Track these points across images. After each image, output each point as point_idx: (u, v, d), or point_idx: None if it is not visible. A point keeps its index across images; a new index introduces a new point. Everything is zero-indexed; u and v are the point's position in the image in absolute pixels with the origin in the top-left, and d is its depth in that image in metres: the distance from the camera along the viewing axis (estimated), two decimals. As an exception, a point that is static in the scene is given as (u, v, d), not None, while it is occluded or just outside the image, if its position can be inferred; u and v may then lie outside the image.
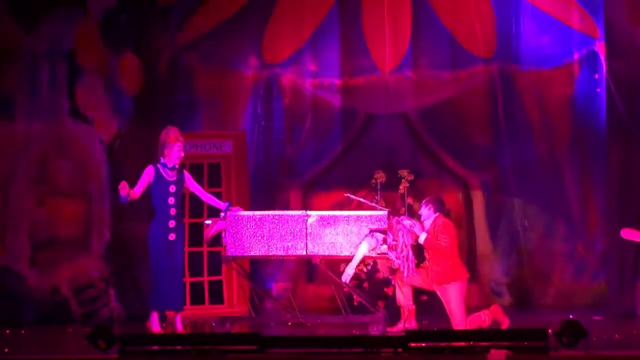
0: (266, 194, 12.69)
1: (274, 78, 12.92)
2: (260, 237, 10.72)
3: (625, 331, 10.00)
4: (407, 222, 10.27)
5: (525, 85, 12.65)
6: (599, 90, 12.34)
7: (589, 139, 12.46)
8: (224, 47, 12.81)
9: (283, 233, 10.70)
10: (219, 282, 12.29)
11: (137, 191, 10.12)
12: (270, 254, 10.77)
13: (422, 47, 12.75)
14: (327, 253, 10.69)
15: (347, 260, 11.78)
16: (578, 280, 12.33)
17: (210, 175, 12.38)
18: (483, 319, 9.91)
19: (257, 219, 10.72)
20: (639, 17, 11.61)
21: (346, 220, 10.65)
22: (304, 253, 10.67)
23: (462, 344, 8.17)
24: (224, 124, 12.80)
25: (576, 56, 12.55)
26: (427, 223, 10.13)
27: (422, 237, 10.04)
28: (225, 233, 10.62)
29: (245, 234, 10.71)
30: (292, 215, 10.72)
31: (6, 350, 8.92)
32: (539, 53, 12.58)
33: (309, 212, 10.70)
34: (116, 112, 11.95)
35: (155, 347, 8.30)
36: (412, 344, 8.09)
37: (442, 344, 8.15)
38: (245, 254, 10.81)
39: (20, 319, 11.26)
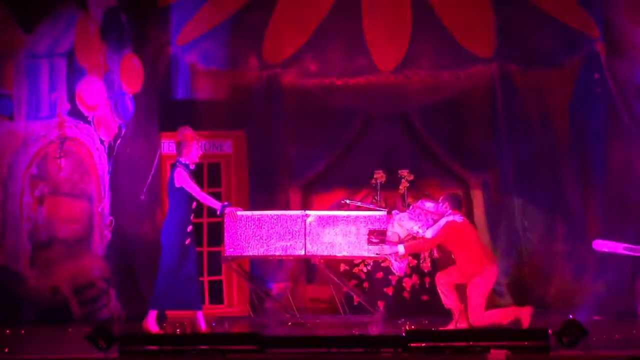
0: (266, 194, 12.69)
1: (274, 78, 12.92)
2: (259, 237, 10.73)
3: (625, 331, 10.00)
4: (428, 204, 10.24)
5: (525, 85, 12.64)
6: (599, 90, 12.33)
7: (589, 139, 12.45)
8: (224, 47, 12.81)
9: (282, 233, 10.72)
10: (219, 282, 12.29)
11: (203, 196, 10.19)
12: (269, 254, 10.78)
13: (422, 47, 12.74)
14: (326, 253, 10.70)
15: (347, 260, 11.82)
16: (578, 280, 12.32)
17: (210, 175, 12.39)
18: (505, 315, 9.82)
19: (256, 219, 10.73)
20: (639, 17, 11.61)
21: (345, 220, 10.65)
22: (303, 253, 10.69)
23: (462, 344, 8.18)
24: (224, 124, 12.80)
25: (576, 56, 12.55)
26: (443, 221, 10.08)
27: (401, 249, 10.04)
28: (224, 233, 10.67)
29: (244, 234, 10.73)
30: (291, 215, 10.73)
31: (6, 350, 8.92)
32: (539, 53, 12.58)
33: (307, 212, 10.70)
34: (116, 112, 11.95)
35: (155, 347, 8.31)
36: (412, 344, 8.10)
37: (442, 344, 8.16)
38: (244, 254, 10.83)
39: (20, 319, 11.25)
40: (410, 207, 10.42)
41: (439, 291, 10.09)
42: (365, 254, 10.75)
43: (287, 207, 12.41)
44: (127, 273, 11.82)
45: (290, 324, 11.11)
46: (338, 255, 10.76)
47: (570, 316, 8.71)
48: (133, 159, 11.97)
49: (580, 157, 12.49)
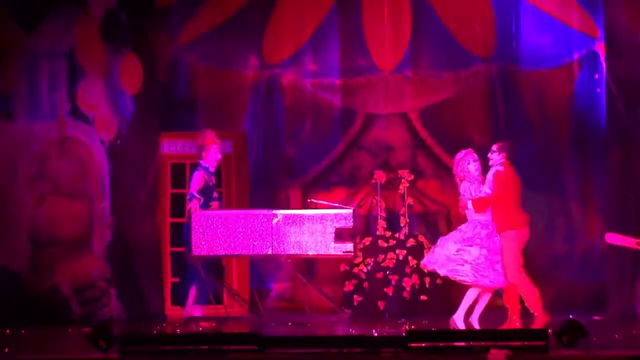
0: (266, 194, 12.69)
1: (274, 78, 12.92)
2: (226, 236, 10.79)
3: (625, 331, 10.00)
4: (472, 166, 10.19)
5: (525, 85, 12.64)
6: (599, 90, 12.33)
7: (589, 139, 12.45)
8: (224, 47, 12.81)
9: (249, 232, 10.77)
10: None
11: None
12: (236, 253, 10.86)
13: (422, 47, 12.74)
14: (292, 252, 10.74)
15: (347, 260, 11.81)
16: (578, 280, 12.32)
17: (210, 175, 12.39)
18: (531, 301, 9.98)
19: (223, 218, 10.79)
20: (639, 17, 11.60)
21: (311, 219, 10.67)
22: (270, 252, 10.72)
23: (462, 344, 8.17)
24: (224, 124, 12.79)
25: (576, 56, 12.54)
26: (490, 174, 10.07)
27: (469, 205, 10.02)
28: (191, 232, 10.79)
29: (211, 233, 10.79)
30: (257, 214, 10.79)
31: (6, 350, 8.91)
32: (539, 53, 12.57)
33: (274, 211, 10.74)
34: (116, 112, 11.94)
35: (155, 347, 8.30)
36: (412, 344, 8.10)
37: (442, 344, 8.15)
38: (211, 253, 10.89)
39: (20, 319, 11.24)
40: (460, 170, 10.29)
41: (521, 292, 10.07)
42: (332, 252, 10.79)
43: (287, 207, 12.41)
44: (127, 273, 11.81)
45: (290, 324, 11.12)
46: (305, 254, 10.80)
47: (570, 316, 8.71)
48: (133, 159, 11.96)
49: (580, 157, 12.49)
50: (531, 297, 10.00)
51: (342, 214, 10.71)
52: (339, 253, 10.71)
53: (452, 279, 9.97)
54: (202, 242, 10.81)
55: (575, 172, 12.48)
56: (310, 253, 10.80)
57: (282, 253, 10.73)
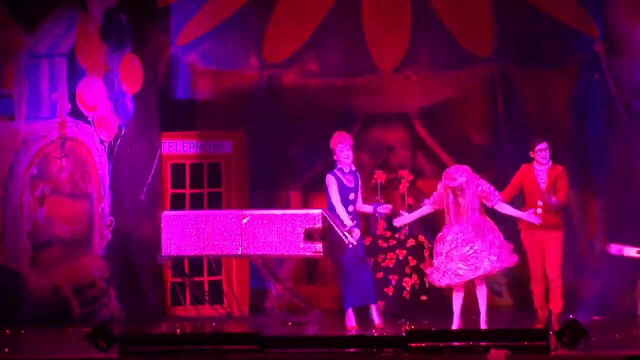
0: (266, 194, 12.69)
1: (274, 78, 12.92)
2: (195, 236, 10.80)
3: (625, 331, 10.00)
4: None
5: (525, 85, 12.65)
6: (599, 90, 12.33)
7: (589, 139, 12.46)
8: (224, 47, 12.82)
9: (218, 232, 10.78)
10: (219, 282, 12.29)
11: (338, 207, 10.61)
12: (205, 253, 10.86)
13: (422, 47, 12.75)
14: (261, 252, 10.75)
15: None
16: (578, 280, 12.31)
17: (210, 175, 12.39)
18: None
19: (192, 218, 10.81)
20: (639, 17, 11.61)
21: (280, 219, 10.68)
22: (239, 252, 10.73)
23: (462, 344, 8.18)
24: (224, 124, 12.80)
25: (576, 56, 12.55)
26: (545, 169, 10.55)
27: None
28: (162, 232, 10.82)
29: (180, 233, 10.80)
30: (227, 214, 10.80)
31: (6, 350, 8.91)
32: (539, 53, 12.58)
33: (243, 211, 10.75)
34: (116, 112, 11.94)
35: (155, 347, 8.31)
36: (412, 344, 8.10)
37: (442, 344, 8.16)
38: (180, 254, 10.90)
39: (20, 319, 11.24)
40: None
41: (554, 290, 10.60)
42: (302, 252, 10.80)
43: (287, 207, 12.41)
44: (127, 273, 11.81)
45: (290, 324, 11.12)
46: (274, 254, 10.81)
47: (570, 316, 8.71)
48: (133, 159, 11.96)
49: (580, 157, 12.49)
50: (559, 298, 10.48)
51: (312, 214, 10.72)
52: (309, 253, 10.72)
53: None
54: (172, 243, 10.82)
55: (575, 172, 12.47)
56: (279, 253, 10.81)
57: (252, 253, 10.75)
